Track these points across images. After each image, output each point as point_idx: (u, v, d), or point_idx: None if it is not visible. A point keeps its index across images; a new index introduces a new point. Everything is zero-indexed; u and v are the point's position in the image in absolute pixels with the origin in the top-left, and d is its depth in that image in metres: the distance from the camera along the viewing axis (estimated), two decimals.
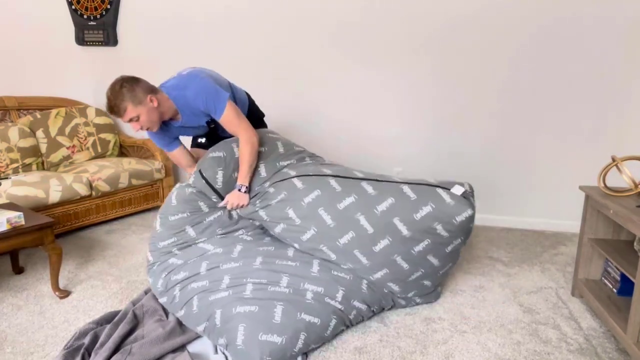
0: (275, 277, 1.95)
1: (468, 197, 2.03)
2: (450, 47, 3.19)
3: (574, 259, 2.82)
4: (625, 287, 2.07)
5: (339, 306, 1.93)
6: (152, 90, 2.08)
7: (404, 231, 1.97)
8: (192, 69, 2.23)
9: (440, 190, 2.01)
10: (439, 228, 1.97)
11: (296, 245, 2.13)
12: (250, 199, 2.20)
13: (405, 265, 2.03)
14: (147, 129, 2.11)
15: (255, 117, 2.52)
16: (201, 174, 2.18)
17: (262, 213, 2.16)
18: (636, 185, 2.00)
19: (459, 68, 3.21)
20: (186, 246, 2.13)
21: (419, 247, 2.00)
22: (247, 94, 2.58)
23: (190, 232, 2.14)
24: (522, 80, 3.13)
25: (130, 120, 2.04)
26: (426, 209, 1.96)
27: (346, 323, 1.96)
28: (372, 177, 2.15)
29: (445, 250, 2.05)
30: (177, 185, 2.22)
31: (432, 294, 2.24)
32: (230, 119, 2.12)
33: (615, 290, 2.12)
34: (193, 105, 2.13)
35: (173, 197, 2.17)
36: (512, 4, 3.03)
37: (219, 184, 2.19)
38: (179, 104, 2.14)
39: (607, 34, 2.94)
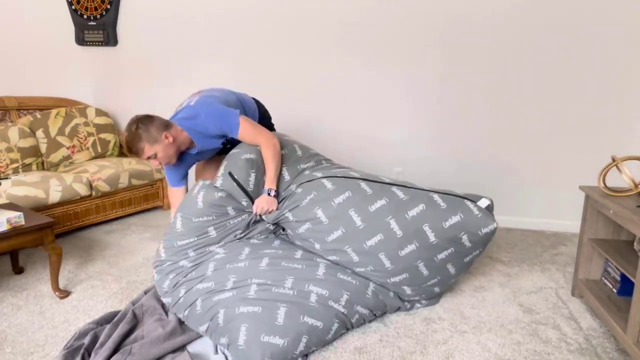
0: (280, 278, 1.94)
1: (491, 210, 2.08)
2: (450, 48, 3.19)
3: (574, 259, 2.82)
4: (625, 287, 2.07)
5: (342, 310, 1.93)
6: (166, 126, 2.13)
7: (432, 238, 1.98)
8: (198, 97, 2.25)
9: (468, 202, 2.04)
10: (464, 238, 1.99)
11: (317, 246, 2.09)
12: (278, 203, 2.20)
13: (425, 272, 2.04)
14: (166, 164, 2.20)
15: (265, 123, 2.53)
16: (232, 176, 2.15)
17: (288, 214, 2.14)
18: (636, 185, 2.00)
19: (459, 68, 3.21)
20: (203, 247, 2.10)
21: (442, 255, 2.02)
22: (255, 100, 2.58)
23: (213, 233, 2.11)
24: (522, 80, 3.13)
25: (149, 158, 2.13)
26: (455, 219, 1.98)
27: (347, 326, 1.96)
28: (401, 183, 2.16)
29: (464, 260, 2.07)
30: (201, 184, 2.16)
31: (435, 298, 2.25)
32: (248, 131, 2.17)
33: (615, 290, 2.12)
34: (206, 132, 2.18)
35: (199, 199, 2.10)
36: (512, 5, 3.03)
37: (250, 187, 2.17)
38: (192, 134, 2.19)
39: (607, 33, 2.94)
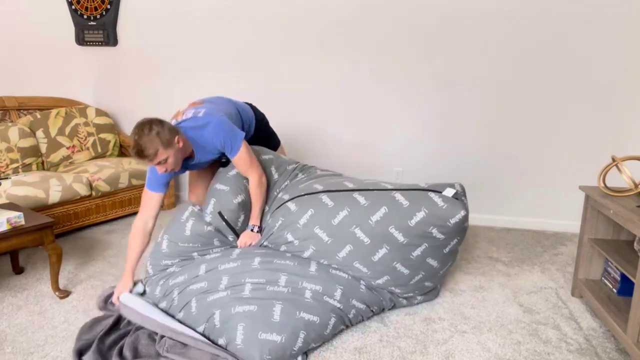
0: (274, 277, 1.95)
1: (460, 197, 2.05)
2: (450, 49, 3.19)
3: (574, 259, 2.82)
4: (625, 287, 2.07)
5: (338, 305, 1.94)
6: (176, 131, 2.03)
7: (400, 238, 1.98)
8: (204, 108, 2.21)
9: (432, 195, 2.02)
10: (435, 232, 1.98)
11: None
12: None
13: (405, 271, 2.04)
14: (172, 171, 2.06)
15: (263, 129, 2.57)
16: (222, 216, 2.18)
17: (265, 243, 2.21)
18: (636, 185, 2.00)
19: (459, 69, 3.21)
20: (188, 262, 2.16)
21: (417, 252, 2.01)
22: (251, 106, 2.56)
23: (196, 257, 2.16)
24: (522, 80, 3.14)
25: (159, 163, 1.97)
26: (420, 215, 1.97)
27: (345, 322, 1.97)
28: (363, 186, 2.15)
29: (443, 251, 2.06)
30: (190, 210, 2.20)
31: (432, 292, 2.25)
32: (244, 159, 2.16)
33: (615, 290, 2.12)
34: (210, 144, 2.14)
35: (188, 227, 2.13)
36: (512, 6, 3.03)
37: (238, 225, 2.23)
38: (195, 144, 2.14)
39: (607, 34, 2.94)
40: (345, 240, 2.02)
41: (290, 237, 2.11)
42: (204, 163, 2.31)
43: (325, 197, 2.11)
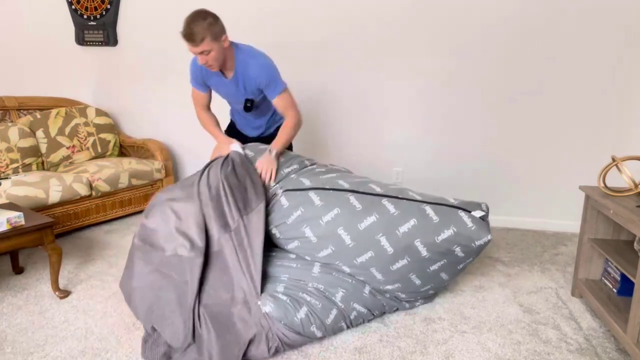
0: (275, 274, 1.99)
1: (486, 219, 2.03)
2: (450, 50, 3.19)
3: (574, 259, 2.82)
4: (625, 287, 2.07)
5: (340, 304, 1.95)
6: (226, 32, 2.15)
7: (424, 252, 1.95)
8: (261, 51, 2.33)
9: (462, 214, 1.98)
10: (457, 250, 1.97)
11: (308, 258, 2.10)
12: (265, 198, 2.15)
13: (418, 282, 2.05)
14: (210, 67, 2.17)
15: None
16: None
17: (275, 231, 2.11)
18: (636, 185, 2.00)
19: (459, 70, 3.21)
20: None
21: (435, 267, 2.02)
22: None
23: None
24: (522, 80, 3.13)
25: (202, 53, 2.09)
26: (448, 232, 1.94)
27: (346, 322, 1.97)
28: (392, 193, 2.07)
29: (457, 267, 2.07)
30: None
31: (433, 295, 2.26)
32: (286, 99, 2.30)
33: (615, 290, 2.12)
34: (252, 75, 2.23)
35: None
36: (512, 8, 3.03)
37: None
38: (238, 67, 2.24)
39: (607, 34, 2.94)
40: (368, 246, 1.96)
41: (308, 232, 2.02)
42: (231, 91, 2.35)
43: (352, 198, 2.02)
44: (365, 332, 2.00)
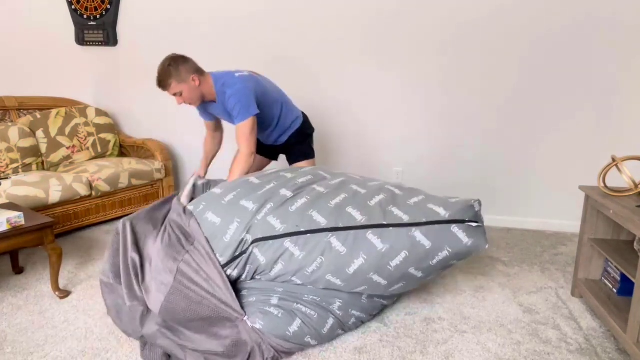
0: (269, 286, 1.94)
1: (480, 219, 1.88)
2: (451, 49, 3.19)
3: (574, 259, 2.82)
4: (625, 287, 2.07)
5: (338, 312, 1.93)
6: (196, 70, 2.32)
7: (419, 275, 1.88)
8: (247, 75, 2.40)
9: (455, 229, 1.81)
10: (453, 262, 1.88)
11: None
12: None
13: (411, 287, 2.03)
14: (190, 104, 2.37)
15: (302, 142, 2.68)
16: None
17: (259, 277, 1.94)
18: (636, 185, 2.00)
19: (460, 69, 3.21)
20: None
21: (430, 277, 1.97)
22: (304, 114, 2.72)
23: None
24: (522, 80, 3.14)
25: (175, 95, 2.31)
26: (443, 254, 1.82)
27: (344, 329, 1.96)
28: (376, 216, 1.85)
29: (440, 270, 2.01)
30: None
31: None
32: (243, 130, 2.32)
33: (615, 290, 2.12)
34: (226, 102, 2.35)
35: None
36: (513, 8, 3.03)
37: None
38: (219, 96, 2.38)
39: (607, 35, 2.94)
40: (361, 283, 1.86)
41: (298, 281, 1.89)
42: (222, 113, 2.49)
43: (334, 240, 1.81)
44: (365, 332, 2.00)
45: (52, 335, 1.96)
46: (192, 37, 3.65)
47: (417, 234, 1.81)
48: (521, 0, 3.01)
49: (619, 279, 2.10)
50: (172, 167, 3.84)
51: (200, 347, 1.77)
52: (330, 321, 1.89)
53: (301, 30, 3.42)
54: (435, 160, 3.40)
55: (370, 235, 1.81)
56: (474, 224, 1.83)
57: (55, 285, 2.29)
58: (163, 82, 2.27)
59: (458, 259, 1.87)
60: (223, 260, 1.84)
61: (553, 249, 2.97)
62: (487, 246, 1.86)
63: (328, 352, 1.86)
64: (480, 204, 1.91)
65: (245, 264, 1.87)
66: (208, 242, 1.87)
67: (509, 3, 3.04)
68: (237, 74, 2.37)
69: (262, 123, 2.51)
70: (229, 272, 1.86)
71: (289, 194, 1.95)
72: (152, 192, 3.60)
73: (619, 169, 1.99)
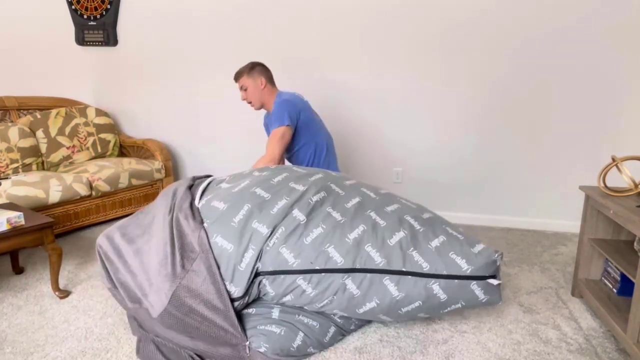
0: (269, 303, 1.93)
1: (499, 277, 1.81)
2: (451, 49, 3.19)
3: (574, 259, 2.82)
4: (625, 287, 2.07)
5: (339, 320, 1.94)
6: (269, 79, 2.64)
7: (425, 316, 1.90)
8: (301, 97, 2.65)
9: (474, 287, 1.74)
10: (460, 308, 1.85)
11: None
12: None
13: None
14: (250, 103, 2.64)
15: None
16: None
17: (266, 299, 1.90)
18: (636, 185, 2.00)
19: (460, 69, 3.21)
20: None
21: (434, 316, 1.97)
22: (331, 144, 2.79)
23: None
24: (522, 80, 3.13)
25: (241, 88, 2.61)
26: (455, 306, 1.80)
27: (345, 334, 1.97)
28: (395, 264, 1.74)
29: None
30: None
31: None
32: (273, 136, 2.47)
33: (615, 290, 2.12)
34: (272, 113, 2.57)
35: None
36: (513, 9, 3.03)
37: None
38: (274, 105, 2.58)
39: (607, 35, 2.94)
40: (368, 317, 1.86)
41: (305, 307, 1.88)
42: (267, 124, 2.71)
43: (350, 283, 1.73)
44: (365, 332, 2.00)
45: (52, 335, 1.96)
46: (192, 37, 3.65)
47: (435, 286, 1.74)
48: (522, 3, 3.01)
49: (619, 279, 2.10)
50: (172, 167, 3.84)
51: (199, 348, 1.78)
52: (332, 329, 1.90)
53: (301, 30, 3.42)
54: (435, 160, 3.40)
55: (387, 281, 1.74)
56: (494, 282, 1.76)
57: (55, 285, 2.29)
58: (238, 73, 2.60)
59: (466, 308, 1.85)
60: (238, 291, 1.72)
61: (553, 249, 2.97)
62: (500, 302, 1.83)
63: (328, 352, 1.86)
64: (502, 256, 1.81)
65: (257, 290, 1.80)
66: (218, 266, 1.73)
67: (509, 3, 3.04)
68: (297, 94, 2.64)
69: (293, 148, 2.61)
70: (244, 301, 1.77)
71: (301, 217, 1.80)
72: (152, 192, 3.60)
73: (619, 169, 1.99)
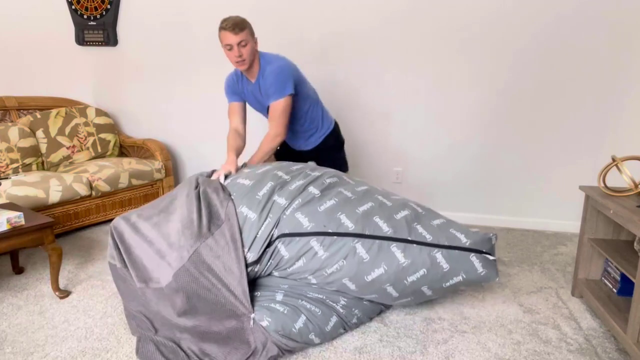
0: (275, 283, 1.98)
1: (494, 254, 1.97)
2: (451, 49, 3.19)
3: (574, 259, 2.82)
4: (625, 287, 2.08)
5: (341, 310, 1.95)
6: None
7: (429, 293, 1.95)
8: (290, 60, 2.39)
9: (473, 258, 1.90)
10: (462, 287, 1.98)
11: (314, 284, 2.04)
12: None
13: (416, 302, 2.07)
14: (242, 61, 2.26)
15: (332, 155, 2.65)
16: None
17: (275, 273, 1.99)
18: (636, 185, 2.00)
19: (460, 69, 3.21)
20: None
21: (436, 297, 2.04)
22: (336, 123, 2.67)
23: None
24: (522, 81, 3.14)
25: (239, 44, 2.22)
26: (457, 279, 1.90)
27: (346, 328, 1.97)
28: (402, 234, 1.89)
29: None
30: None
31: None
32: (276, 109, 2.29)
33: (615, 290, 2.12)
34: (267, 81, 2.30)
35: None
36: (514, 9, 3.03)
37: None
38: (260, 73, 2.34)
39: (607, 35, 2.94)
40: (373, 291, 1.92)
41: (312, 280, 1.93)
42: (257, 98, 2.41)
43: (359, 247, 1.85)
44: (365, 332, 2.00)
45: (52, 335, 1.96)
46: (192, 37, 3.65)
47: (439, 255, 1.88)
48: (522, 4, 3.01)
49: (619, 279, 2.10)
50: (172, 167, 3.84)
51: (200, 328, 1.80)
52: (334, 319, 1.91)
53: (303, 29, 3.42)
54: (435, 160, 3.40)
55: (394, 247, 1.87)
56: (490, 257, 1.92)
57: (55, 285, 2.29)
58: (241, 24, 2.23)
59: (467, 286, 1.93)
60: (252, 256, 1.85)
61: (553, 249, 2.97)
62: (497, 279, 1.94)
63: (328, 351, 1.86)
64: (496, 237, 2.00)
65: (269, 258, 1.90)
66: (240, 232, 1.86)
67: (508, 4, 3.04)
68: (280, 55, 2.39)
69: (291, 115, 2.42)
70: (256, 268, 1.88)
71: (316, 192, 1.99)
72: (152, 192, 3.60)
73: (619, 169, 1.99)
